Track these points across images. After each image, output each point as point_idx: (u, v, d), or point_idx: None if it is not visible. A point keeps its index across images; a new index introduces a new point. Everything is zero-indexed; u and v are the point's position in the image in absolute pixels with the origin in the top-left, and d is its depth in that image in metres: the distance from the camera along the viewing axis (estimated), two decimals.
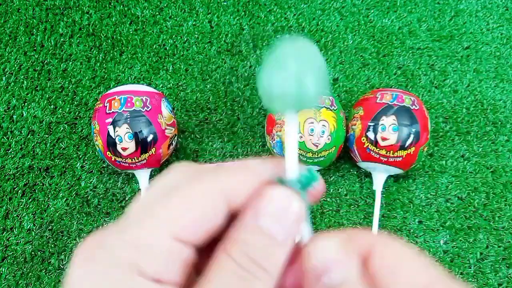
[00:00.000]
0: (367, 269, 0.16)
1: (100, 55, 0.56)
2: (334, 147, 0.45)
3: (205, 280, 0.15)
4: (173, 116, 0.46)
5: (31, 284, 0.45)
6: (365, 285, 0.16)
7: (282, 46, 0.17)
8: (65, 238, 0.47)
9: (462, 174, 0.50)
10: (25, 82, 0.54)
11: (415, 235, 0.47)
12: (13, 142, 0.51)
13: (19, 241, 0.47)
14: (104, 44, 0.57)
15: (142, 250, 0.14)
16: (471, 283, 0.45)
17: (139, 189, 0.48)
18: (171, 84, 0.54)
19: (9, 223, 0.48)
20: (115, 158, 0.43)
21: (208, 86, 0.54)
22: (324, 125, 0.43)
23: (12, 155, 0.51)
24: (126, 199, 0.49)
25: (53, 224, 0.48)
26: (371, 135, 0.44)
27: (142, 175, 0.46)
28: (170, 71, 0.55)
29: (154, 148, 0.43)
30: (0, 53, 0.56)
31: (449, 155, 0.51)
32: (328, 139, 0.44)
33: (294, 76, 0.16)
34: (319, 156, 0.44)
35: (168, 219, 0.15)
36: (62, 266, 0.46)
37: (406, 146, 0.43)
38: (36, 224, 0.48)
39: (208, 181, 0.16)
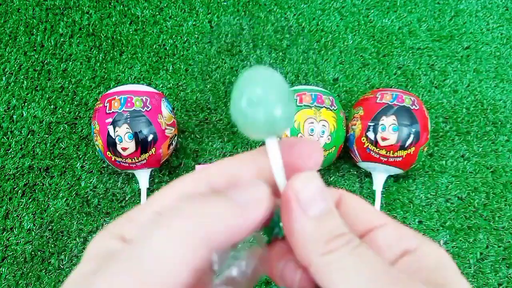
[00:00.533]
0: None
1: (100, 55, 0.56)
2: (334, 147, 0.45)
3: None
4: (173, 116, 0.46)
5: (31, 284, 0.45)
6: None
7: (246, 75, 0.17)
8: (65, 238, 0.47)
9: (462, 174, 0.50)
10: (25, 82, 0.54)
11: None
12: (13, 142, 0.51)
13: (19, 241, 0.47)
14: (104, 44, 0.57)
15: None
16: (471, 283, 0.45)
17: (139, 189, 0.48)
18: (171, 84, 0.54)
19: (9, 223, 0.48)
20: (115, 158, 0.43)
21: (208, 86, 0.54)
22: (324, 125, 0.43)
23: (12, 155, 0.51)
24: (126, 199, 0.49)
25: (53, 224, 0.48)
26: (371, 135, 0.44)
27: (142, 175, 0.46)
28: (170, 71, 0.55)
29: (154, 148, 0.43)
30: (0, 53, 0.56)
31: (449, 155, 0.51)
32: (328, 139, 0.44)
33: (260, 102, 0.16)
34: None
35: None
36: (62, 266, 0.46)
37: (406, 146, 0.43)
38: (36, 224, 0.48)
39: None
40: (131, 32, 0.58)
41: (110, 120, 0.42)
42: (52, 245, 0.47)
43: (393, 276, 0.15)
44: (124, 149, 0.42)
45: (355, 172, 0.50)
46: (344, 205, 0.19)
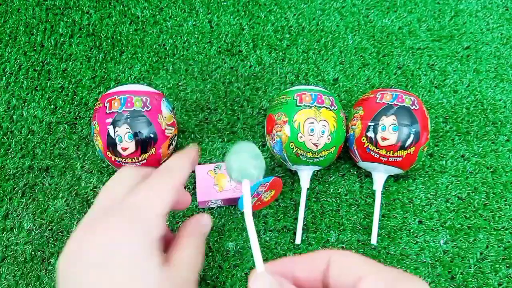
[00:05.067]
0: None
1: (100, 55, 0.56)
2: (334, 147, 0.45)
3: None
4: (173, 116, 0.46)
5: (31, 284, 0.45)
6: None
7: (236, 146, 0.30)
8: (65, 238, 0.47)
9: (462, 174, 0.50)
10: (25, 82, 0.54)
11: (415, 235, 0.47)
12: (13, 142, 0.51)
13: (19, 241, 0.47)
14: (104, 44, 0.57)
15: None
16: (471, 283, 0.45)
17: None
18: (171, 84, 0.54)
19: (9, 223, 0.48)
20: (115, 158, 0.43)
21: (208, 86, 0.54)
22: (324, 125, 0.43)
23: (12, 155, 0.51)
24: None
25: (53, 224, 0.48)
26: (371, 135, 0.44)
27: None
28: (170, 71, 0.55)
29: (154, 148, 0.43)
30: (0, 53, 0.56)
31: (449, 155, 0.51)
32: (328, 139, 0.44)
33: (244, 162, 0.29)
34: (319, 156, 0.44)
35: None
36: None
37: (406, 146, 0.43)
38: (36, 224, 0.48)
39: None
40: (131, 32, 0.58)
41: (110, 120, 0.42)
42: (52, 245, 0.47)
43: None
44: (124, 149, 0.42)
45: (355, 172, 0.50)
46: (333, 263, 0.23)
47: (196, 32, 0.58)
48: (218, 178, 0.47)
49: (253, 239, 0.25)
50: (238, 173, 0.29)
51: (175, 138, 0.47)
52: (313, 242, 0.47)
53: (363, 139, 0.45)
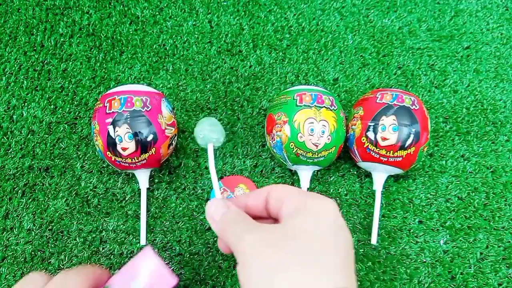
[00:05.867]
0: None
1: (100, 55, 0.56)
2: (334, 147, 0.45)
3: None
4: (173, 116, 0.46)
5: None
6: None
7: (199, 121, 0.38)
8: (65, 238, 0.47)
9: (462, 174, 0.50)
10: (25, 82, 0.54)
11: (415, 235, 0.47)
12: (13, 142, 0.51)
13: (19, 241, 0.47)
14: (104, 44, 0.57)
15: None
16: (471, 283, 0.45)
17: (139, 189, 0.48)
18: (171, 84, 0.54)
19: (9, 223, 0.48)
20: (115, 158, 0.43)
21: (208, 86, 0.54)
22: (324, 125, 0.43)
23: (12, 155, 0.51)
24: (126, 199, 0.49)
25: (53, 224, 0.48)
26: (371, 135, 0.44)
27: (142, 175, 0.46)
28: (170, 71, 0.55)
29: (154, 148, 0.43)
30: (0, 53, 0.56)
31: (449, 155, 0.51)
32: (328, 139, 0.44)
33: (204, 129, 0.37)
34: (319, 156, 0.44)
35: None
36: (62, 266, 0.46)
37: (406, 146, 0.43)
38: (36, 224, 0.48)
39: None
40: (131, 32, 0.58)
41: (110, 120, 0.42)
42: (52, 245, 0.47)
43: (256, 225, 0.29)
44: (124, 149, 0.42)
45: (355, 172, 0.50)
46: (270, 192, 0.31)
47: (196, 32, 0.58)
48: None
49: (214, 176, 0.35)
50: (202, 138, 0.37)
51: (175, 138, 0.47)
52: None
53: (363, 139, 0.45)
